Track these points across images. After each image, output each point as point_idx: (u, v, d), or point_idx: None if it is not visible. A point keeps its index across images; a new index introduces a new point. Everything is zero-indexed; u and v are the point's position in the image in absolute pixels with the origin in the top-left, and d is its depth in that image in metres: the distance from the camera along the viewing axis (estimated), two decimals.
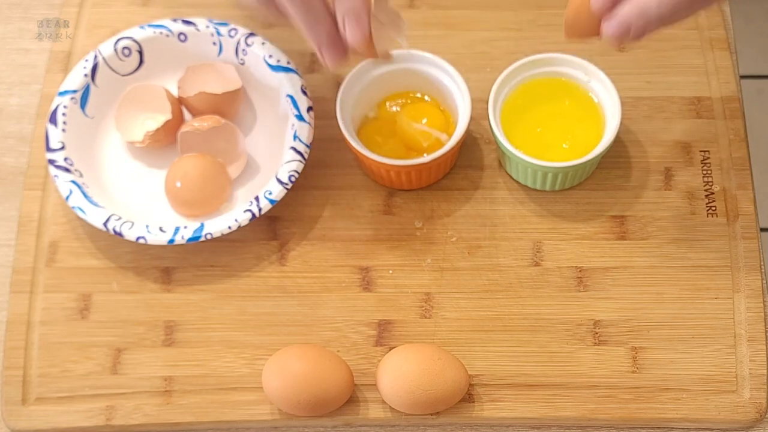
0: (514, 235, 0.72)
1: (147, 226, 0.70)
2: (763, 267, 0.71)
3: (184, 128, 0.73)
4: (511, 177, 0.74)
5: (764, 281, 0.70)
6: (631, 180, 0.74)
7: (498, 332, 0.69)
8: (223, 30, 0.76)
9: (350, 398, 0.67)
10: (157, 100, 0.74)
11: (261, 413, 0.68)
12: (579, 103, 0.73)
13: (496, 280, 0.71)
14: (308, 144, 0.72)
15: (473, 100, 0.71)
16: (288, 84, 0.74)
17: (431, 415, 0.67)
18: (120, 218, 0.70)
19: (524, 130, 0.72)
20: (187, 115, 0.76)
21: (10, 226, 0.74)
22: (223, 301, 0.71)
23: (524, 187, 0.74)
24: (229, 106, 0.75)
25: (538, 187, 0.73)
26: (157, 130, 0.73)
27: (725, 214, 0.72)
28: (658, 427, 0.67)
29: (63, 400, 0.68)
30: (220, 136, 0.73)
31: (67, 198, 0.70)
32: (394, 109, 0.74)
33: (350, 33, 0.59)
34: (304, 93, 0.74)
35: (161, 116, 0.74)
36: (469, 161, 0.75)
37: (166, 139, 0.74)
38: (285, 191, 0.71)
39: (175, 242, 0.69)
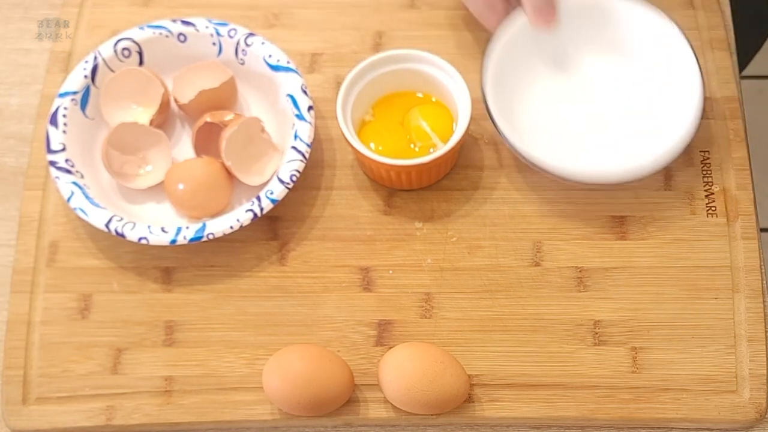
0: (514, 235, 0.72)
1: (149, 227, 0.70)
2: (763, 267, 0.71)
3: (228, 131, 0.72)
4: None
5: (764, 281, 0.70)
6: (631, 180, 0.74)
7: (498, 332, 0.69)
8: (223, 30, 0.76)
9: (350, 398, 0.67)
10: (142, 83, 0.74)
11: (261, 413, 0.68)
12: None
13: (496, 280, 0.71)
14: (309, 143, 0.72)
15: (473, 100, 0.71)
16: (288, 83, 0.74)
17: (431, 415, 0.67)
18: (122, 219, 0.70)
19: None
20: (186, 116, 0.77)
21: (11, 226, 0.74)
22: (223, 301, 0.71)
23: (524, 187, 0.74)
24: (227, 98, 0.75)
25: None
26: (152, 118, 0.73)
27: (725, 215, 0.72)
28: (658, 427, 0.67)
29: (63, 400, 0.68)
30: (256, 128, 0.73)
31: (69, 199, 0.70)
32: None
33: None
34: (305, 92, 0.74)
35: (149, 102, 0.75)
36: (469, 161, 0.75)
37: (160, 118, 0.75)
38: (286, 191, 0.71)
39: (177, 242, 0.69)
